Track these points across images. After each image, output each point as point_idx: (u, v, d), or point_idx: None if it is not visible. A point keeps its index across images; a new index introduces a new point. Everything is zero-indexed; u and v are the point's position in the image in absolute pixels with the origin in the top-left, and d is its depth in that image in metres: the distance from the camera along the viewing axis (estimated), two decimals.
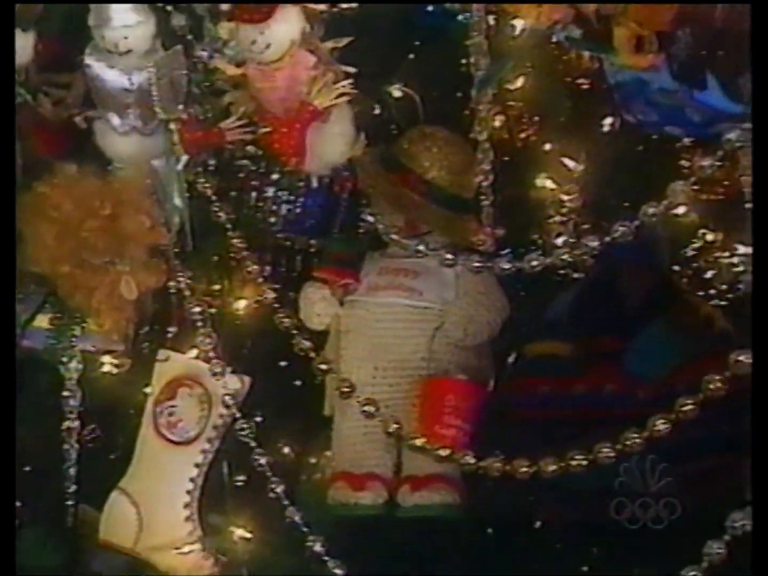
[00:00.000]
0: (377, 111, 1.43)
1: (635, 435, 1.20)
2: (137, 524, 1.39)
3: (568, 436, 1.28)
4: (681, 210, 1.37)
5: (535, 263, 1.27)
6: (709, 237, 1.41)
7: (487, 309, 1.38)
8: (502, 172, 1.38)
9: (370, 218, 1.40)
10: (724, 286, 1.41)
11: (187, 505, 1.39)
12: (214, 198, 1.39)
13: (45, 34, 1.40)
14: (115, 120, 1.39)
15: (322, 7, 1.34)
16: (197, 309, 1.41)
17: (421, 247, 1.36)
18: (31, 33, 1.38)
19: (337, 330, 1.43)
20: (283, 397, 1.50)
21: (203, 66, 1.37)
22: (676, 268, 1.42)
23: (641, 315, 1.34)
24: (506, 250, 1.33)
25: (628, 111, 1.24)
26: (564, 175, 1.45)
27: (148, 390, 1.49)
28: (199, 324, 1.40)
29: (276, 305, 1.37)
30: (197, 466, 1.40)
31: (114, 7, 1.33)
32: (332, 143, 1.34)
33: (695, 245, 1.42)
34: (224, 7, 1.35)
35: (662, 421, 1.19)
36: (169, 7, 1.38)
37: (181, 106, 1.36)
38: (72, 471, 1.43)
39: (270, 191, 1.46)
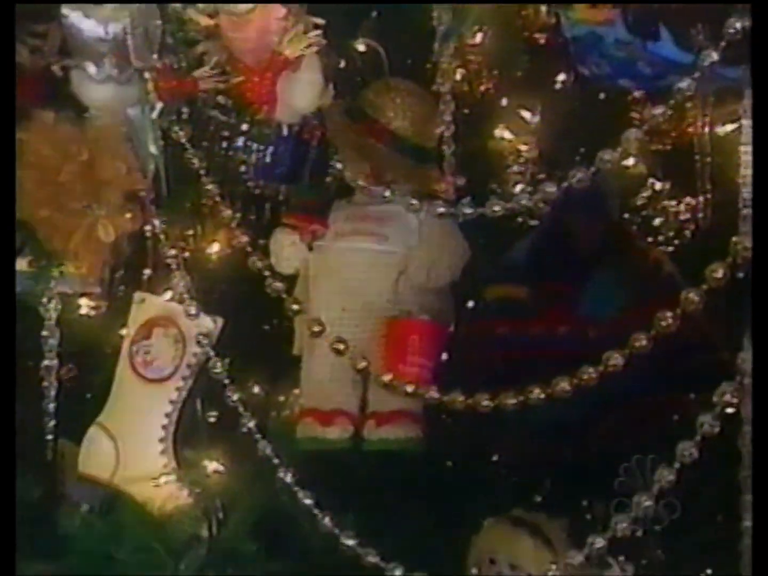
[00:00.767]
0: (343, 64, 1.46)
1: (591, 370, 1.23)
2: (114, 457, 1.44)
3: (526, 374, 1.33)
4: (631, 161, 1.43)
5: (497, 208, 1.30)
6: (658, 186, 1.47)
7: (449, 254, 1.43)
8: (462, 123, 1.44)
9: (339, 166, 1.45)
10: (671, 233, 1.48)
11: (162, 440, 1.43)
12: (188, 146, 1.43)
13: None
14: (91, 68, 1.42)
15: None
16: (172, 252, 1.45)
17: (387, 194, 1.41)
18: None
19: (306, 274, 1.48)
20: (254, 338, 1.56)
21: (177, 16, 1.40)
22: (626, 216, 1.47)
23: (594, 260, 1.40)
24: (468, 197, 1.40)
25: (583, 64, 1.28)
26: (521, 126, 1.52)
27: (123, 332, 1.53)
28: (174, 267, 1.45)
29: (248, 249, 1.41)
30: (172, 402, 1.45)
31: None
32: (302, 92, 1.38)
33: (644, 194, 1.48)
34: None
35: (616, 355, 1.22)
36: None
37: (155, 56, 1.40)
38: (51, 407, 1.49)
39: (240, 140, 1.50)
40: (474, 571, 1.25)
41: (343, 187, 1.47)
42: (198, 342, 1.43)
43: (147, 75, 1.39)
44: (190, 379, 1.46)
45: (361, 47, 1.49)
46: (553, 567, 1.18)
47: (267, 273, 1.41)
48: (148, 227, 1.45)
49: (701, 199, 1.42)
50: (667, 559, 1.31)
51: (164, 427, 1.44)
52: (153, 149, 1.44)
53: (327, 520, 1.30)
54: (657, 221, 1.47)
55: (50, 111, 1.45)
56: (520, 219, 1.45)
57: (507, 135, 1.50)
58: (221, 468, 1.43)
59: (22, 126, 1.43)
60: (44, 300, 1.49)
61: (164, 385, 1.45)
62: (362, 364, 1.36)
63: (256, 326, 1.57)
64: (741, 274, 1.16)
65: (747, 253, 1.14)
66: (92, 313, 1.60)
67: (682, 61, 1.19)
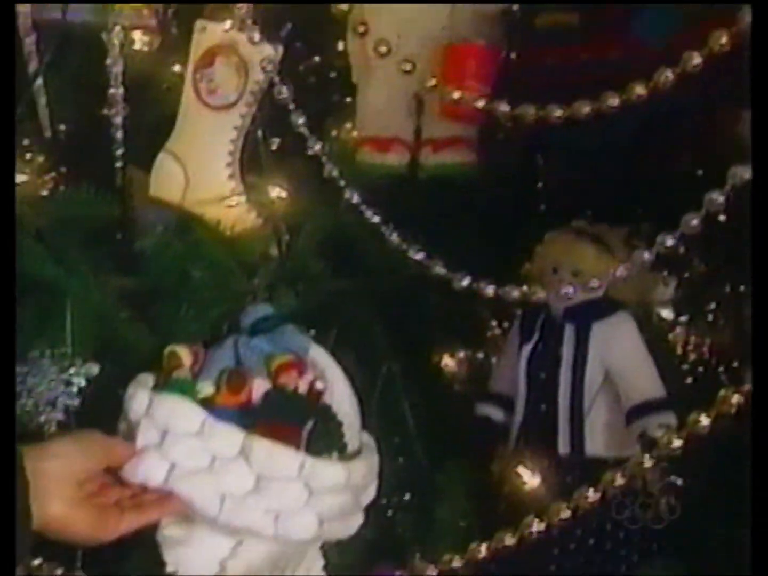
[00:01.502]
0: None
1: (641, 87, 1.24)
2: (183, 182, 1.49)
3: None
4: None
5: None
6: None
7: None
8: None
9: None
10: None
11: (228, 164, 1.49)
12: None
13: None
14: None
15: None
16: None
17: None
18: None
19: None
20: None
21: None
22: None
23: None
24: None
25: None
26: None
27: (177, 68, 1.59)
28: None
29: None
30: (236, 129, 1.50)
31: None
32: None
33: None
34: None
35: (668, 72, 1.23)
36: None
37: None
38: (119, 135, 1.53)
39: None
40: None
41: None
42: (262, 68, 1.46)
43: None
44: (253, 105, 1.49)
45: None
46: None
47: None
48: None
49: None
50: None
51: (230, 153, 1.49)
52: None
53: (394, 237, 1.35)
54: None
55: None
56: None
57: None
58: (285, 193, 1.48)
59: None
60: (108, 28, 1.51)
61: (229, 113, 1.49)
62: (431, 82, 1.40)
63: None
64: None
65: None
66: (146, 48, 1.65)
67: None
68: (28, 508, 1.09)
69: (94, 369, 1.36)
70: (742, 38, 1.26)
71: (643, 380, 1.29)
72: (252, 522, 1.27)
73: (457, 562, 1.16)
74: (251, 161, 1.51)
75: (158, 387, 1.32)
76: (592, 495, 1.13)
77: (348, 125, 1.62)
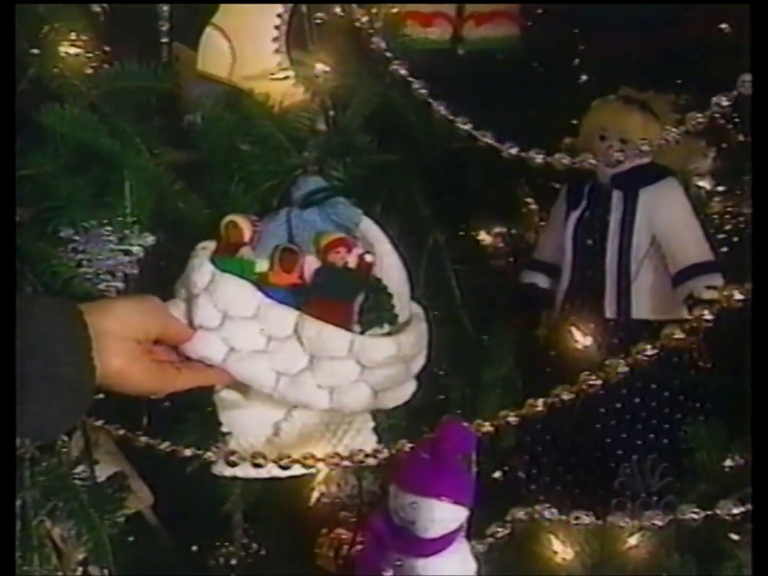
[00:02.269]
0: None
1: None
2: (231, 56, 1.50)
3: None
4: None
5: None
6: None
7: None
8: None
9: None
10: None
11: (275, 39, 1.48)
12: None
13: None
14: None
15: None
16: None
17: None
18: None
19: None
20: None
21: None
22: None
23: None
24: None
25: None
26: None
27: None
28: None
29: None
30: (282, 2, 1.49)
31: None
32: None
33: None
34: None
35: None
36: None
37: None
38: (165, 9, 1.54)
39: None
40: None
41: None
42: None
43: None
44: None
45: None
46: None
47: None
48: None
49: None
50: None
51: (276, 27, 1.49)
52: None
53: (442, 108, 1.37)
54: None
55: None
56: None
57: None
58: (330, 68, 1.46)
59: None
60: None
61: None
62: None
63: None
64: None
65: None
66: None
67: None
68: (91, 361, 1.14)
69: (151, 239, 1.41)
70: None
71: (690, 244, 1.32)
72: (307, 396, 1.32)
73: (512, 418, 1.21)
74: (297, 36, 1.52)
75: (220, 259, 1.36)
76: (650, 351, 1.17)
77: None
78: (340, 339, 1.31)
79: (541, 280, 1.43)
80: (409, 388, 1.38)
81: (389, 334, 1.35)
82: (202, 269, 1.32)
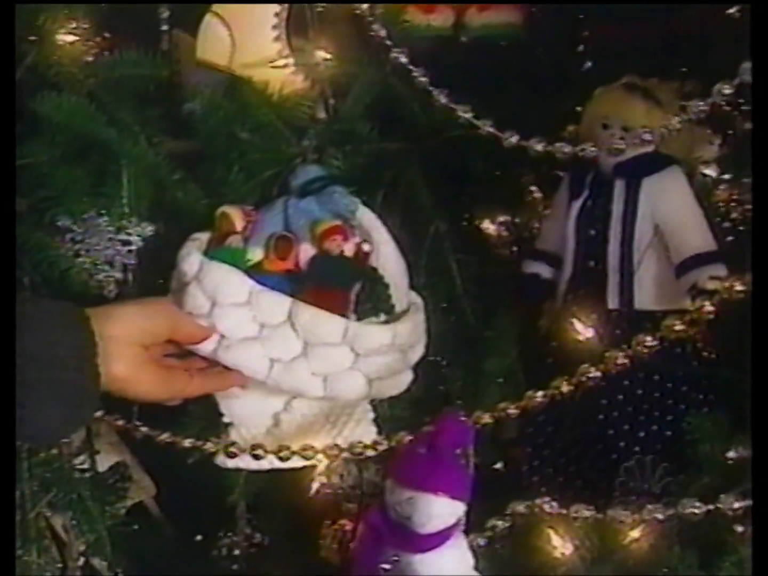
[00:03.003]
0: None
1: None
2: (230, 44, 1.49)
3: None
4: None
5: None
6: None
7: None
8: None
9: None
10: None
11: (275, 27, 1.47)
12: None
13: None
14: None
15: None
16: None
17: None
18: None
19: None
20: None
21: None
22: None
23: None
24: None
25: None
26: None
27: None
28: None
29: None
30: None
31: None
32: None
33: None
34: None
35: None
36: None
37: None
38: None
39: None
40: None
41: None
42: None
43: None
44: None
45: None
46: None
47: None
48: None
49: None
50: None
51: (276, 14, 1.47)
52: None
53: (442, 97, 1.35)
54: None
55: None
56: None
57: None
58: (330, 56, 1.46)
59: None
60: None
61: None
62: None
63: None
64: None
65: None
66: None
67: None
68: (96, 368, 1.13)
69: (149, 229, 1.40)
70: None
71: (694, 234, 1.31)
72: (300, 384, 1.31)
73: (512, 410, 1.20)
74: (297, 23, 1.51)
75: (211, 249, 1.36)
76: (650, 342, 1.16)
77: None
78: (333, 325, 1.30)
79: (544, 270, 1.42)
80: (406, 379, 1.38)
81: (386, 323, 1.34)
82: (189, 258, 1.32)
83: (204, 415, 1.40)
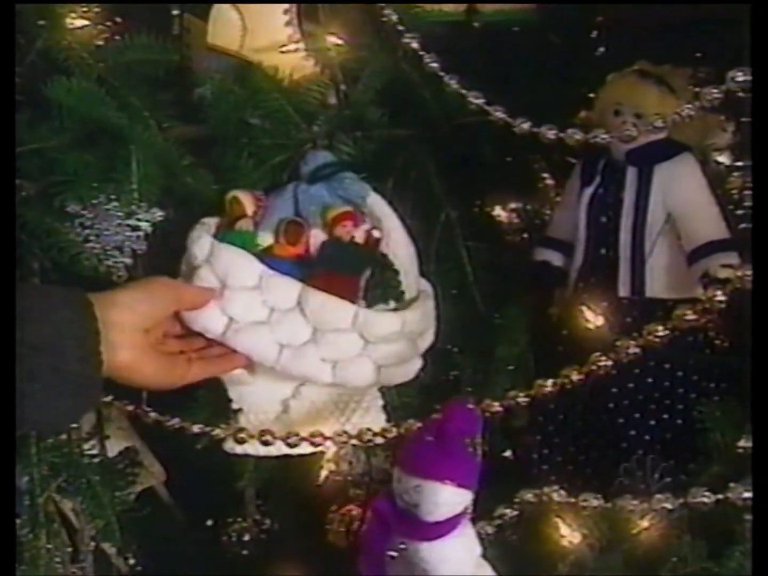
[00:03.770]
0: None
1: None
2: (241, 28, 1.48)
3: None
4: None
5: None
6: None
7: None
8: None
9: None
10: None
11: (286, 11, 1.46)
12: None
13: None
14: None
15: None
16: None
17: None
18: None
19: None
20: None
21: None
22: None
23: None
24: None
25: None
26: None
27: None
28: None
29: None
30: None
31: None
32: None
33: None
34: None
35: None
36: None
37: None
38: None
39: None
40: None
41: None
42: None
43: None
44: None
45: None
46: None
47: None
48: None
49: None
50: None
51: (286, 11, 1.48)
52: None
53: (454, 83, 1.35)
54: None
55: None
56: None
57: None
58: (341, 41, 1.46)
59: None
60: None
61: None
62: None
63: None
64: None
65: None
66: None
67: None
68: (99, 356, 1.13)
69: (159, 214, 1.40)
70: None
71: (706, 221, 1.30)
72: (309, 370, 1.31)
73: (522, 399, 1.20)
74: (308, 8, 1.50)
75: (221, 233, 1.36)
76: (661, 331, 1.15)
77: None
78: (343, 311, 1.30)
79: (555, 258, 1.41)
80: (415, 366, 1.37)
81: (395, 309, 1.34)
82: (200, 241, 1.32)
83: (213, 401, 1.41)
